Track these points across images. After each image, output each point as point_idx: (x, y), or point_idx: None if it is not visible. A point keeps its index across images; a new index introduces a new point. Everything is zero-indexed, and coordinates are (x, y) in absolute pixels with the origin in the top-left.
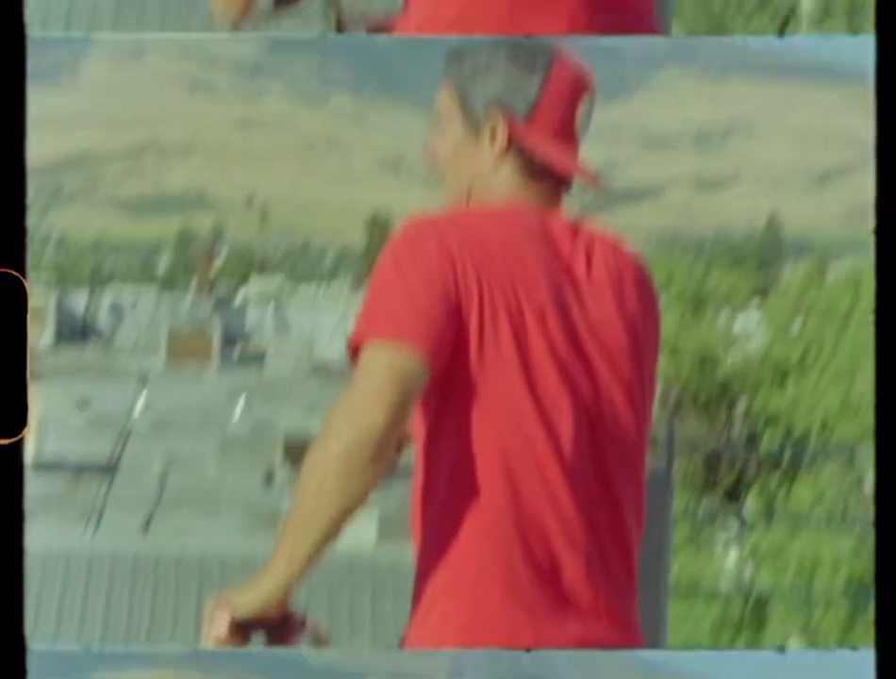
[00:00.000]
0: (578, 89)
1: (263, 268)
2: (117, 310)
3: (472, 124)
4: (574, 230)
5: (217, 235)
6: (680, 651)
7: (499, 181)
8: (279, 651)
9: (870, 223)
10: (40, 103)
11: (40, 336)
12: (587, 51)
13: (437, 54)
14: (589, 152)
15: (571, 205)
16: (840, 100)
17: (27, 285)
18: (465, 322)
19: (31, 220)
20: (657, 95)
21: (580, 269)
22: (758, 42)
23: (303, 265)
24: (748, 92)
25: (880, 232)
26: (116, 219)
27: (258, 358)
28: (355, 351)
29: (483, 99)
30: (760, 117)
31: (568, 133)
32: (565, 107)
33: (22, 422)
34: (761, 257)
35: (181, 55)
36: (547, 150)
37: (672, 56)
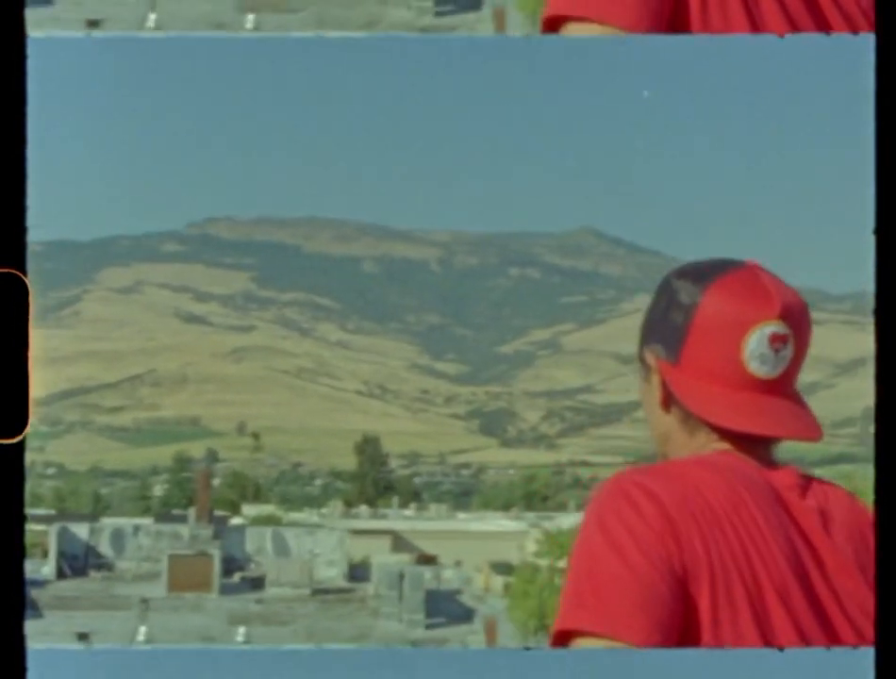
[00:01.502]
0: (743, 321)
1: (257, 493)
2: (118, 538)
3: (644, 368)
4: (803, 485)
5: (212, 459)
6: (678, 649)
7: (677, 429)
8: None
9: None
10: (44, 341)
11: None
12: None
13: (420, 280)
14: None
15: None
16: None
17: (29, 284)
18: (694, 602)
19: (30, 454)
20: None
21: (817, 532)
22: (759, 41)
23: (294, 489)
24: None
25: (880, 232)
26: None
27: (259, 582)
28: (563, 638)
29: (646, 341)
30: None
31: (729, 374)
32: (719, 345)
33: (23, 422)
34: None
35: (173, 289)
36: (688, 395)
37: None
